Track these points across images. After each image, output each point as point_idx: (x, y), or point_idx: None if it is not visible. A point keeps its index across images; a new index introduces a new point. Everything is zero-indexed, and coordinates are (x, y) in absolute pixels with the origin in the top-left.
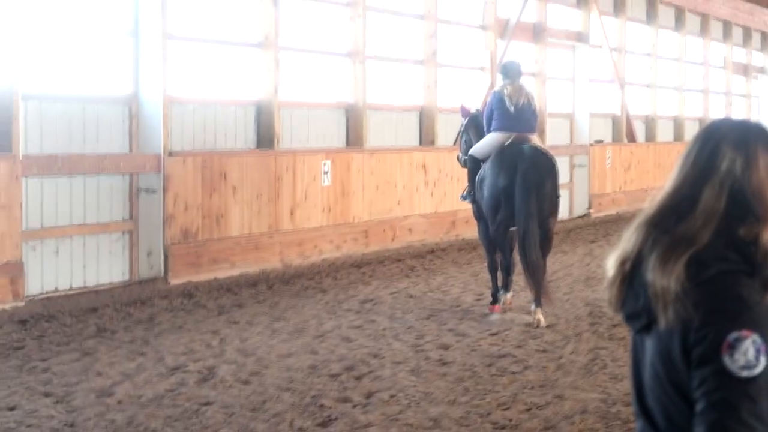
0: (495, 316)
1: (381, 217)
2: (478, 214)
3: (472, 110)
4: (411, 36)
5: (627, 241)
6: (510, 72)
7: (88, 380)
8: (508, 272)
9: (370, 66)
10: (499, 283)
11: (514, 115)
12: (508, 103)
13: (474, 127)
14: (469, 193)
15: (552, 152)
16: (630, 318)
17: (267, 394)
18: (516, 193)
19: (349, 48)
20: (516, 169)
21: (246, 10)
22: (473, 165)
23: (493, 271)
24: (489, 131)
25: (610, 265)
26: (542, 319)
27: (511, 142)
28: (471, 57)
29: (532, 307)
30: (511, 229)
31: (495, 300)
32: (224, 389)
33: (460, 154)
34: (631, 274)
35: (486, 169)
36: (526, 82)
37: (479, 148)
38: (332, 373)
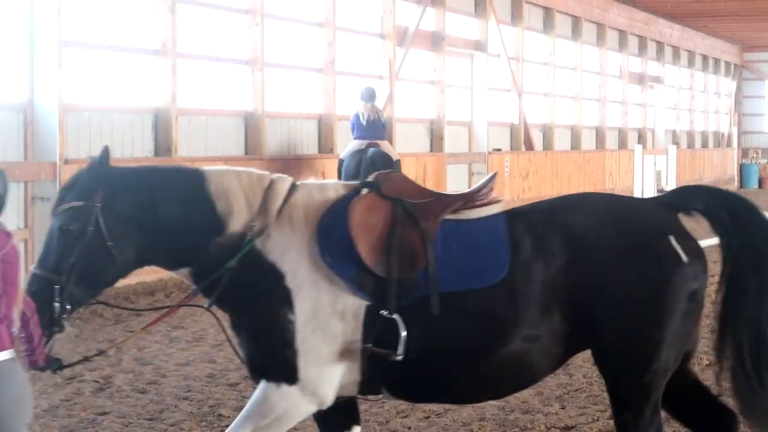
0: None
1: None
2: None
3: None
4: (310, 44)
5: None
6: (365, 96)
7: None
8: None
9: (269, 74)
10: None
11: (366, 127)
12: (362, 119)
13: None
14: None
15: (451, 159)
16: None
17: (164, 404)
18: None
19: (247, 56)
20: (360, 162)
21: (143, 17)
22: (339, 164)
23: None
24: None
25: None
26: None
27: (364, 147)
28: (370, 65)
29: None
30: None
31: None
32: (121, 399)
33: None
34: None
35: (344, 164)
36: (379, 103)
37: (344, 151)
38: (231, 382)
